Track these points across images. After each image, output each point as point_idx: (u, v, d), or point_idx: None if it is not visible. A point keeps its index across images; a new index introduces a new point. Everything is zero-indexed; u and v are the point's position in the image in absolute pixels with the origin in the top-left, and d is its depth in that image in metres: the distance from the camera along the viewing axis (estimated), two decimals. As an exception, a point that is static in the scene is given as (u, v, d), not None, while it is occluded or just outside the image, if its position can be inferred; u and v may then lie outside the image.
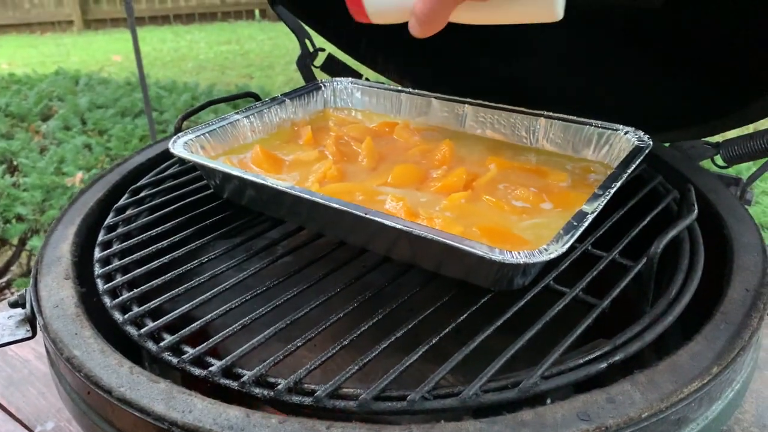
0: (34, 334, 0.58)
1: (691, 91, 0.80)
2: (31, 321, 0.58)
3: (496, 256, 0.50)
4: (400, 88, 0.85)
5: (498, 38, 0.93)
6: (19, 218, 2.10)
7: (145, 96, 1.79)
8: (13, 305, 0.60)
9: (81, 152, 2.33)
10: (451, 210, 0.62)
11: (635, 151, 0.65)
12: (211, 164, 0.65)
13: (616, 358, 0.49)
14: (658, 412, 0.45)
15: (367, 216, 0.55)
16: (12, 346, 0.82)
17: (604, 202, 0.57)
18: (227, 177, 0.66)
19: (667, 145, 0.82)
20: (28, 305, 0.58)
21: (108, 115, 2.61)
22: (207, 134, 0.72)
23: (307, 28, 1.01)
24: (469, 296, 0.55)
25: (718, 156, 0.78)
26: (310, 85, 0.86)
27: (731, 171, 0.79)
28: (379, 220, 0.54)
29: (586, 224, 0.54)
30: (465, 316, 0.53)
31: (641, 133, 0.69)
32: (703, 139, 0.81)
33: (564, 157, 0.73)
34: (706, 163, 0.80)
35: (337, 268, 0.61)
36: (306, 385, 0.48)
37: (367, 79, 1.03)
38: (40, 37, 6.62)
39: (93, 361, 0.50)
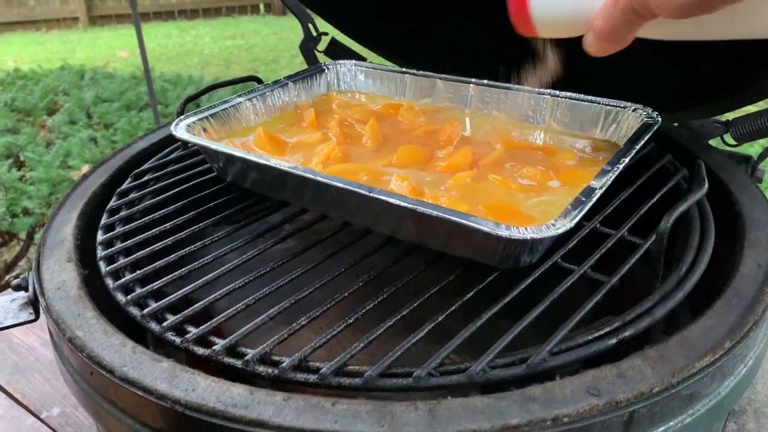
0: (37, 316, 0.58)
1: (699, 70, 0.79)
2: (33, 304, 0.58)
3: (503, 231, 0.49)
4: (404, 69, 0.84)
5: (503, 18, 0.92)
6: (27, 212, 2.11)
7: (150, 88, 1.79)
8: (16, 288, 0.59)
9: (87, 146, 2.33)
10: (457, 189, 0.61)
11: (643, 128, 0.64)
12: (214, 146, 0.64)
13: (626, 333, 0.48)
14: (669, 387, 0.44)
15: (372, 195, 0.54)
16: (17, 333, 0.82)
17: (613, 177, 0.56)
18: (230, 159, 0.65)
19: (675, 124, 0.81)
20: (30, 288, 0.58)
21: (113, 109, 2.61)
22: (209, 117, 0.72)
23: (310, 12, 1.00)
24: (475, 276, 0.55)
25: (728, 134, 0.77)
26: (314, 68, 0.85)
27: (741, 150, 0.77)
28: (383, 198, 0.54)
29: (594, 199, 0.53)
30: (471, 294, 0.53)
31: (649, 110, 0.67)
32: (712, 118, 0.79)
33: (571, 135, 0.72)
34: (716, 142, 0.78)
35: (340, 249, 0.60)
36: (311, 363, 0.47)
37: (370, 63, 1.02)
38: (46, 35, 6.63)
39: (95, 341, 0.49)
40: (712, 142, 0.78)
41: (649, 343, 0.48)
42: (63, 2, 6.32)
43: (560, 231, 0.49)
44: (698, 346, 0.47)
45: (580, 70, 0.82)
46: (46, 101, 2.68)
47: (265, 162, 0.60)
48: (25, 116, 2.59)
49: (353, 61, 0.87)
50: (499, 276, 0.54)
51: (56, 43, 6.32)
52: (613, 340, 0.48)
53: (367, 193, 0.54)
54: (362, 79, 0.86)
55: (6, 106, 2.60)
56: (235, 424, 0.42)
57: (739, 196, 0.65)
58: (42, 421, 0.70)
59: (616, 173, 0.56)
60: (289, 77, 0.82)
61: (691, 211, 0.62)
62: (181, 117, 0.69)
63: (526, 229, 0.49)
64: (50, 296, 0.55)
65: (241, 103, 0.75)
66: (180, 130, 0.67)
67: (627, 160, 0.58)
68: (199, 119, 0.71)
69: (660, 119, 0.66)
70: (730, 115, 0.78)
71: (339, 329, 0.49)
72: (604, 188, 0.54)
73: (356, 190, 0.55)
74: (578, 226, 0.57)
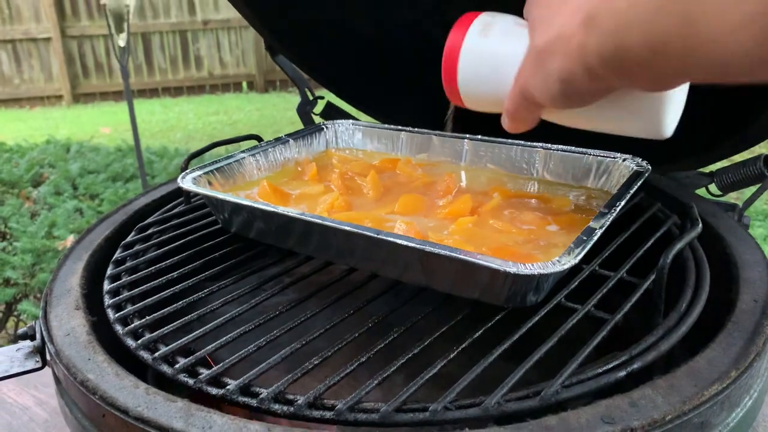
0: (44, 364, 0.57)
1: (684, 123, 0.83)
2: (41, 351, 0.58)
3: (510, 268, 0.50)
4: (400, 127, 0.87)
5: None
6: (8, 282, 2.08)
7: (139, 155, 1.82)
8: (22, 337, 0.59)
9: (72, 216, 2.33)
10: (460, 234, 0.63)
11: (635, 176, 0.67)
12: (221, 196, 0.66)
13: (634, 366, 0.49)
14: (681, 415, 0.45)
15: (380, 236, 0.56)
16: (11, 394, 0.81)
17: (611, 218, 0.58)
18: (237, 208, 0.66)
19: (662, 176, 0.84)
20: (38, 336, 0.58)
21: (99, 180, 2.62)
22: (214, 171, 0.73)
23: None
24: (482, 316, 0.56)
25: (713, 184, 0.80)
26: (313, 127, 0.88)
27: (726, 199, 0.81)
28: (391, 240, 0.55)
29: (595, 238, 0.55)
30: (480, 333, 0.54)
31: (639, 160, 0.71)
32: (697, 169, 0.83)
33: (565, 185, 0.74)
34: (702, 192, 0.82)
35: (347, 293, 0.61)
36: (325, 401, 0.47)
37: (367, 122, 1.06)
38: (29, 112, 6.70)
39: (108, 383, 0.49)
40: (698, 192, 0.82)
41: (651, 378, 0.49)
42: (48, 80, 6.42)
43: (566, 267, 0.51)
44: (705, 375, 0.48)
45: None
46: (31, 173, 2.69)
47: (272, 209, 0.62)
48: (10, 188, 2.59)
49: (351, 121, 0.90)
50: (503, 318, 0.55)
51: (40, 119, 6.38)
52: (623, 373, 0.49)
53: (375, 236, 0.56)
54: (360, 137, 0.89)
55: (-10, 178, 2.60)
56: (253, 460, 0.42)
57: (730, 239, 0.68)
58: (37, 481, 0.68)
59: (614, 214, 0.59)
60: (289, 135, 0.84)
61: (686, 253, 0.64)
62: (187, 171, 0.71)
63: (533, 265, 0.51)
64: (59, 342, 0.54)
65: (244, 158, 0.78)
66: (186, 182, 0.69)
67: (623, 202, 0.61)
68: (205, 173, 0.72)
69: (650, 168, 0.69)
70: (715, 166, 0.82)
71: (352, 367, 0.50)
72: (604, 228, 0.56)
73: (364, 233, 0.57)
74: (578, 268, 0.60)
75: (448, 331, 0.54)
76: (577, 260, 0.52)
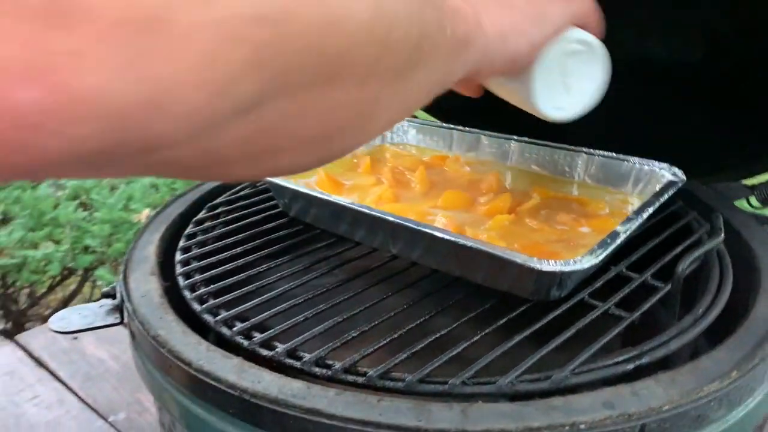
0: (122, 320, 0.66)
1: (729, 136, 0.86)
2: (120, 309, 0.66)
3: (534, 264, 0.56)
4: (452, 126, 0.92)
5: None
6: (87, 249, 2.24)
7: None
8: (105, 296, 0.68)
9: (148, 191, 2.48)
10: (496, 230, 0.68)
11: (669, 185, 0.71)
12: (283, 183, 0.73)
13: (643, 360, 0.53)
14: (678, 406, 0.49)
15: (419, 228, 0.62)
16: (90, 347, 0.91)
17: (637, 224, 0.62)
18: (295, 195, 0.74)
19: (704, 186, 0.87)
20: (118, 295, 0.66)
21: (175, 159, 2.76)
22: (277, 159, 0.81)
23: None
24: (509, 306, 0.61)
25: (753, 197, 0.82)
26: (371, 122, 0.94)
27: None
28: (429, 231, 0.61)
29: (618, 241, 0.59)
30: (503, 321, 0.59)
31: (676, 170, 0.74)
32: (740, 181, 0.85)
33: (603, 190, 0.78)
34: (742, 203, 0.84)
35: (388, 277, 0.67)
36: (359, 368, 0.54)
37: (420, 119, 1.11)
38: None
39: (175, 339, 0.57)
40: (738, 204, 0.84)
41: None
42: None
43: (585, 266, 0.55)
44: (708, 374, 0.52)
45: (614, 136, 0.90)
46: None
47: (326, 198, 0.69)
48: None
49: (405, 118, 0.96)
50: (528, 309, 0.60)
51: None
52: (631, 366, 0.53)
53: (415, 227, 0.62)
54: (413, 134, 0.95)
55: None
56: (293, 412, 0.49)
57: (758, 250, 0.70)
58: (110, 423, 0.78)
59: (640, 221, 0.63)
60: (348, 129, 0.91)
61: (711, 261, 0.67)
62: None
63: (555, 262, 0.56)
64: (136, 302, 0.63)
65: (305, 148, 0.85)
66: (252, 168, 0.76)
67: (651, 209, 0.65)
68: (269, 160, 0.80)
69: (685, 178, 0.72)
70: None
71: (385, 342, 0.56)
72: (628, 233, 0.61)
73: (405, 224, 0.63)
74: (605, 268, 0.64)
75: (476, 316, 0.60)
76: (597, 260, 0.56)
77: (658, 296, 0.61)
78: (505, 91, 0.63)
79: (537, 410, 0.48)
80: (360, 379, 0.52)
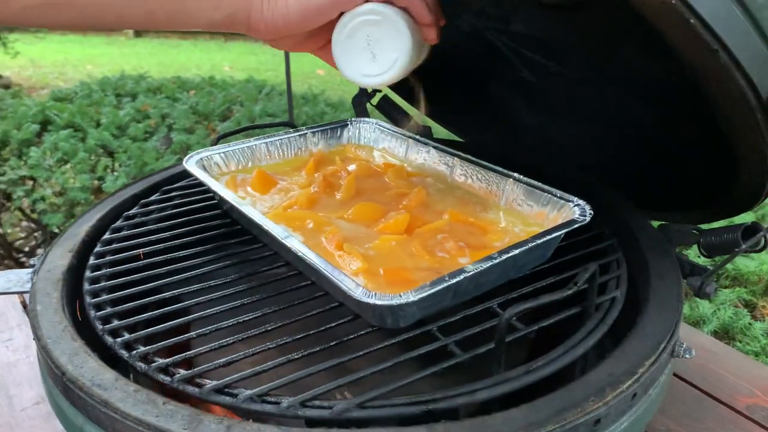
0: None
1: (690, 175, 0.79)
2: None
3: (351, 290, 0.56)
4: (409, 134, 0.92)
5: (546, 99, 0.97)
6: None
7: (290, 107, 2.01)
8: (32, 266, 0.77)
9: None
10: (378, 249, 0.69)
11: (566, 225, 0.67)
12: (202, 177, 0.78)
13: (437, 405, 0.53)
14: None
15: (280, 238, 0.64)
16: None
17: (488, 266, 0.60)
18: (205, 186, 0.78)
19: (656, 224, 0.81)
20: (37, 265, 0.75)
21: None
22: (223, 153, 0.86)
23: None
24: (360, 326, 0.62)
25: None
26: (338, 122, 0.96)
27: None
28: (278, 238, 0.64)
29: (457, 279, 0.58)
30: (337, 342, 0.60)
31: (587, 208, 0.70)
32: (696, 225, 0.78)
33: (520, 217, 0.76)
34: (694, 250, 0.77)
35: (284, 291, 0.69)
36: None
37: (415, 122, 1.11)
38: (262, 47, 7.37)
39: (43, 314, 0.64)
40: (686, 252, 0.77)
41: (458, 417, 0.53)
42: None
43: (396, 302, 0.55)
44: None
45: (603, 158, 0.86)
46: (222, 108, 3.06)
47: (221, 192, 0.73)
48: (203, 120, 2.97)
49: (375, 120, 0.97)
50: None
51: (268, 55, 7.03)
52: (424, 408, 0.53)
53: (276, 235, 0.65)
54: (379, 137, 0.96)
55: (190, 108, 3.00)
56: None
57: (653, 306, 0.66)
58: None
59: (496, 261, 0.61)
60: (310, 127, 0.94)
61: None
62: (198, 150, 0.84)
63: (373, 295, 0.56)
64: (41, 274, 0.71)
65: (257, 145, 0.89)
66: (190, 162, 0.82)
67: (516, 251, 0.62)
68: (213, 154, 0.85)
69: (588, 218, 0.68)
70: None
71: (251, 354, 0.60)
72: (475, 272, 0.59)
73: (271, 231, 0.65)
74: (476, 301, 0.64)
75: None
76: (416, 298, 0.56)
77: (485, 348, 0.59)
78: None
79: (287, 438, 0.50)
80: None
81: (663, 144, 0.79)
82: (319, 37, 0.70)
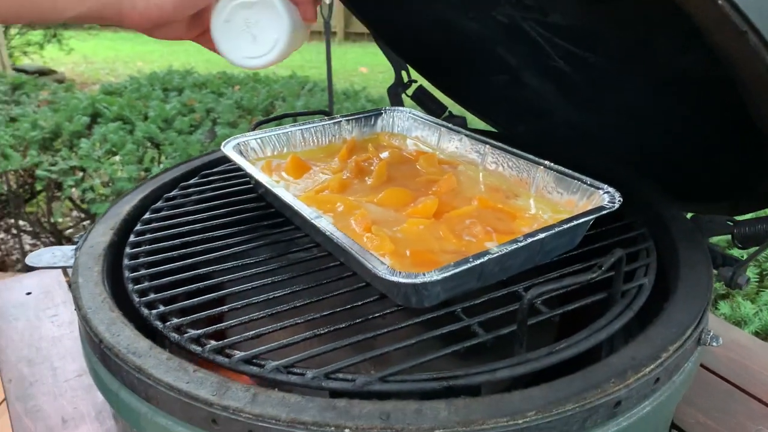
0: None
1: (725, 165, 0.78)
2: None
3: (377, 269, 0.58)
4: (442, 122, 0.93)
5: (579, 90, 0.97)
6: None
7: (330, 100, 2.04)
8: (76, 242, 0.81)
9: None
10: (405, 232, 0.70)
11: (594, 211, 0.67)
12: (238, 160, 0.80)
13: (453, 382, 0.54)
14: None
15: (309, 217, 0.66)
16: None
17: (513, 248, 0.61)
18: (245, 172, 0.80)
19: (689, 215, 0.80)
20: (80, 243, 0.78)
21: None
22: (258, 139, 0.88)
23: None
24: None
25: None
26: (372, 111, 0.98)
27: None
28: (309, 218, 0.65)
29: (482, 260, 0.59)
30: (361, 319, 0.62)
31: (617, 195, 0.70)
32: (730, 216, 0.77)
33: (549, 205, 0.76)
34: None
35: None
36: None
37: (450, 113, 1.12)
38: (307, 45, 7.42)
39: (84, 288, 0.67)
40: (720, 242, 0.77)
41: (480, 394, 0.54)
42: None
43: (419, 281, 0.56)
44: (499, 410, 0.52)
45: (633, 151, 0.86)
46: (265, 104, 3.11)
47: (256, 177, 0.75)
48: (246, 114, 3.03)
49: (408, 109, 0.98)
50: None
51: (313, 53, 7.07)
52: (444, 384, 0.54)
53: (305, 215, 0.66)
54: (413, 125, 0.97)
55: (234, 103, 3.06)
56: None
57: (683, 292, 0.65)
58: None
59: (521, 244, 0.61)
60: (345, 115, 0.95)
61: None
62: (236, 136, 0.87)
63: (398, 273, 0.57)
64: (83, 251, 0.74)
65: (292, 131, 0.91)
66: (228, 147, 0.84)
67: (543, 235, 0.63)
68: (250, 139, 0.87)
69: (617, 205, 0.68)
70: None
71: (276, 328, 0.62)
72: (499, 254, 0.60)
73: (302, 212, 0.67)
74: (502, 284, 0.64)
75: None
76: (438, 277, 0.57)
77: (507, 330, 0.59)
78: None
79: (316, 406, 0.52)
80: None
81: (696, 136, 0.78)
82: (196, 25, 0.69)
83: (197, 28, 0.69)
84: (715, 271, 0.72)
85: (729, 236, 0.76)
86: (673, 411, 0.69)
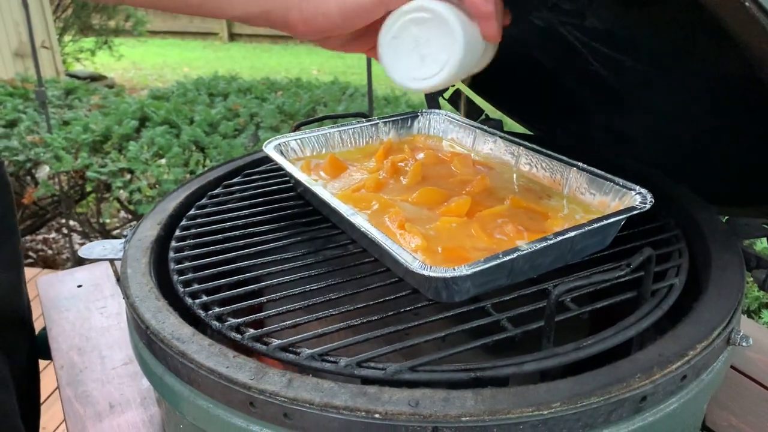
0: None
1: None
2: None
3: (409, 262, 0.60)
4: (478, 124, 0.94)
5: (615, 94, 0.98)
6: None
7: (370, 104, 2.07)
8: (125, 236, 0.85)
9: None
10: (438, 230, 0.72)
11: (625, 210, 0.68)
12: (279, 160, 0.83)
13: (480, 374, 0.56)
14: (476, 420, 0.51)
15: (345, 214, 0.68)
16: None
17: (542, 246, 0.62)
18: (289, 174, 0.84)
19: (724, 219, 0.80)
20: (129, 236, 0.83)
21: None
22: (298, 140, 0.91)
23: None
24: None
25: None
26: (409, 113, 1.00)
27: None
28: (345, 215, 0.68)
29: (511, 257, 0.61)
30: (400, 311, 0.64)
31: (649, 196, 0.70)
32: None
33: (582, 205, 0.77)
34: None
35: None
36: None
37: (487, 116, 1.14)
38: (348, 51, 7.49)
39: (132, 278, 0.71)
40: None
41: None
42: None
43: (449, 275, 0.58)
44: (525, 400, 0.53)
45: (670, 154, 0.87)
46: (307, 108, 3.17)
47: (296, 176, 0.78)
48: (289, 118, 3.09)
49: (445, 111, 1.00)
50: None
51: (354, 59, 7.16)
52: (472, 375, 0.56)
53: (341, 212, 0.69)
54: (448, 127, 0.99)
55: (277, 108, 3.12)
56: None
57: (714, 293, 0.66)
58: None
59: (551, 242, 0.63)
60: (382, 117, 0.98)
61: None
62: (277, 136, 0.90)
63: (430, 268, 0.59)
64: (131, 244, 0.78)
65: (330, 132, 0.94)
66: (269, 147, 0.87)
67: (573, 234, 0.64)
68: (290, 140, 0.90)
69: (648, 206, 0.69)
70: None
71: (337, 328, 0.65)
72: (529, 251, 0.61)
73: (338, 209, 0.70)
74: (531, 282, 0.66)
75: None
76: (468, 272, 0.59)
77: (534, 325, 0.61)
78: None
79: (348, 392, 0.54)
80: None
81: (731, 138, 0.79)
82: (368, 38, 0.65)
83: (368, 41, 0.66)
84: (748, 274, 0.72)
85: None
86: (704, 411, 0.69)
